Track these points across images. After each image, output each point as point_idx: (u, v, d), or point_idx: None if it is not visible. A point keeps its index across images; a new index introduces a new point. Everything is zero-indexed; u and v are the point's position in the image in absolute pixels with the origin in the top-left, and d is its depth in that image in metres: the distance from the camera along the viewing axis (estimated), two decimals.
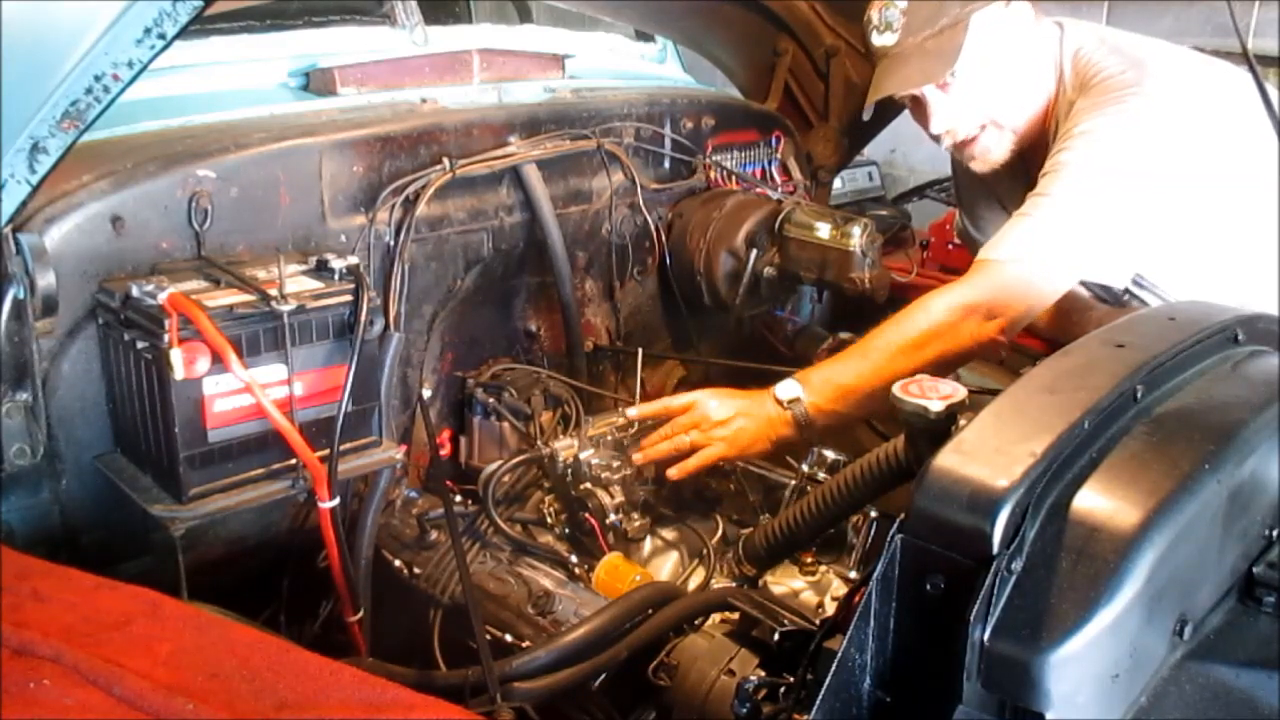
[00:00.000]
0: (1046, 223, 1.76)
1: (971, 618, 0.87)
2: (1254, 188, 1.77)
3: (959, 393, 1.19)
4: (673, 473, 1.75)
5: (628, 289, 2.17)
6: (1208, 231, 1.81)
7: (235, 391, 1.36)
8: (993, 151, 1.96)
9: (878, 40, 1.88)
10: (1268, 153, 1.61)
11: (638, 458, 1.77)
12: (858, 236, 1.98)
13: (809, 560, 1.71)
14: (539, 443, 1.84)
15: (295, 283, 1.44)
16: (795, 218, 2.08)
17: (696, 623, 1.46)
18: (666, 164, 2.19)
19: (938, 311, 1.76)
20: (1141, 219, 1.76)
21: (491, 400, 1.90)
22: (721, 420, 1.75)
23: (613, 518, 1.70)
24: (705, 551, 1.73)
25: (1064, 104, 1.90)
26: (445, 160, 1.77)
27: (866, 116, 2.10)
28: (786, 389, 1.75)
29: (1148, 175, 1.74)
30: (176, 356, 1.28)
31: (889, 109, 2.44)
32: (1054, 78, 1.92)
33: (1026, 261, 1.75)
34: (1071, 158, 1.77)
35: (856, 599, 0.96)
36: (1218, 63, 1.87)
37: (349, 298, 1.45)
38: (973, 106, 1.90)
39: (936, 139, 1.97)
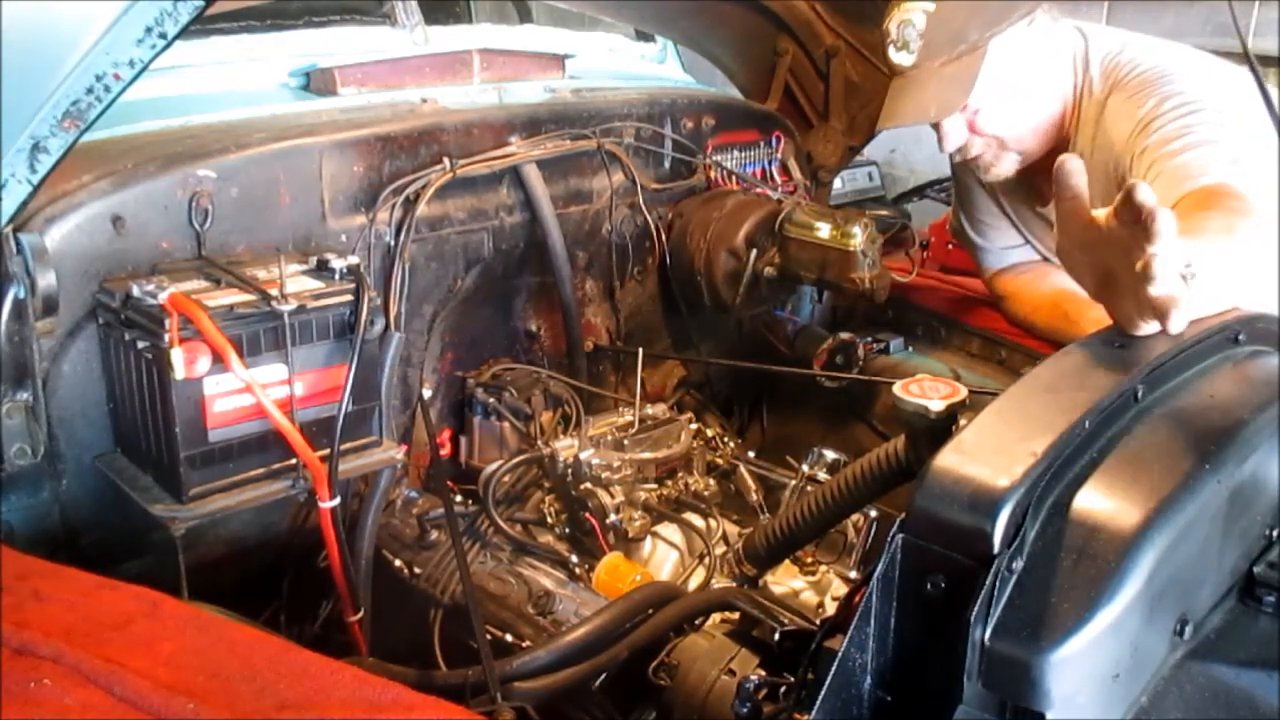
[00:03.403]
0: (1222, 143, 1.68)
1: (972, 618, 0.87)
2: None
3: (959, 393, 1.19)
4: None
5: (628, 289, 2.17)
6: None
7: (236, 391, 1.36)
8: (998, 168, 1.98)
9: (894, 56, 1.87)
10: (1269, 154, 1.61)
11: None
12: (858, 236, 1.98)
13: (809, 560, 1.72)
14: (539, 443, 1.84)
15: (296, 283, 1.44)
16: (795, 218, 2.08)
17: (697, 623, 1.46)
18: (667, 164, 2.19)
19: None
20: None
21: (492, 400, 1.90)
22: None
23: (613, 517, 1.71)
24: (705, 551, 1.73)
25: (1090, 107, 1.90)
26: (445, 160, 1.77)
27: (876, 135, 2.10)
28: None
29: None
30: (177, 356, 1.28)
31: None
32: (1072, 86, 1.92)
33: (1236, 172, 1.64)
34: (1180, 105, 1.73)
35: (857, 599, 0.96)
36: (1229, 65, 1.87)
37: (349, 298, 1.45)
38: (986, 128, 1.90)
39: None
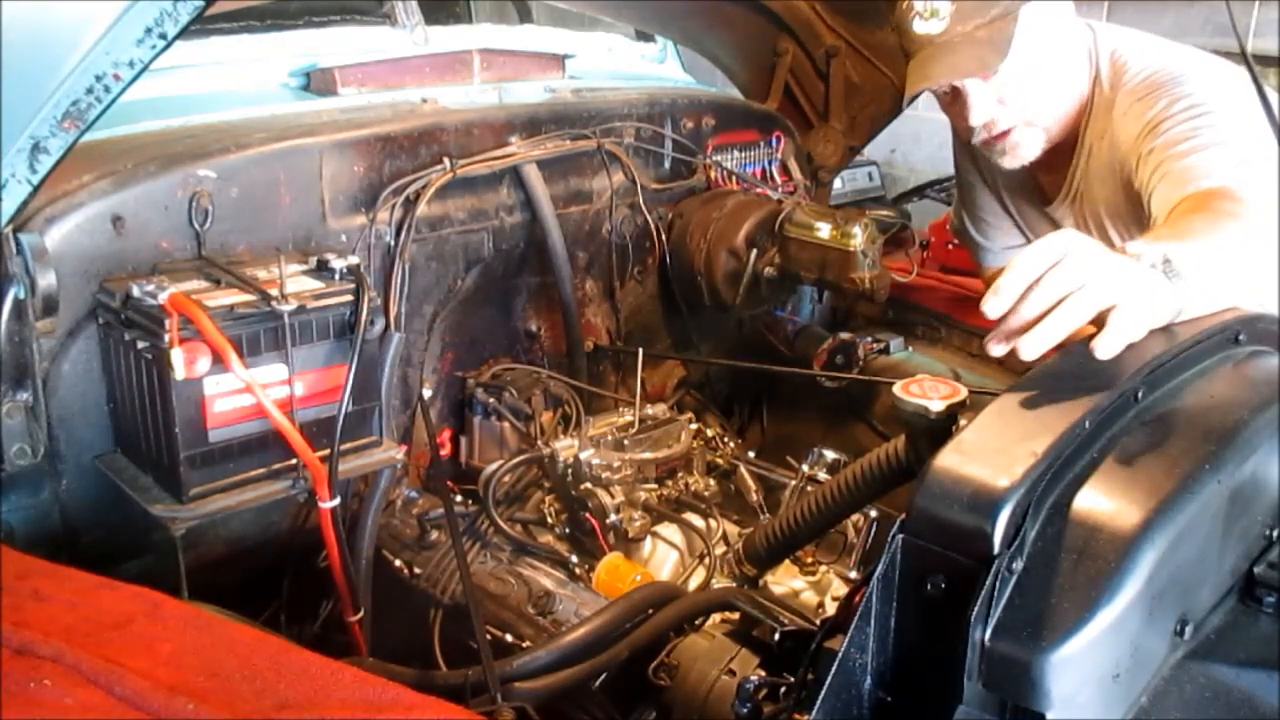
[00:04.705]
0: (1229, 147, 1.67)
1: (972, 618, 0.87)
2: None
3: (959, 393, 1.19)
4: (1034, 346, 1.10)
5: (628, 289, 2.17)
6: None
7: (236, 391, 1.36)
8: (1024, 148, 1.93)
9: (921, 28, 1.83)
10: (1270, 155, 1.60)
11: (999, 348, 1.15)
12: (858, 236, 1.98)
13: (809, 560, 1.72)
14: (539, 443, 1.84)
15: (296, 283, 1.44)
16: (795, 218, 2.08)
17: (697, 623, 1.46)
18: (667, 164, 2.19)
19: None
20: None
21: (492, 400, 1.90)
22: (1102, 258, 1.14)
23: (613, 517, 1.70)
24: (705, 551, 1.73)
25: (1101, 102, 1.89)
26: (446, 160, 1.77)
27: (906, 107, 2.07)
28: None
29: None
30: (177, 356, 1.28)
31: (893, 108, 2.45)
32: (1089, 77, 1.91)
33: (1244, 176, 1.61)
34: (1191, 107, 1.73)
35: (857, 599, 0.96)
36: (1238, 67, 1.86)
37: (349, 298, 1.45)
38: (1013, 100, 1.87)
39: (969, 132, 1.92)
